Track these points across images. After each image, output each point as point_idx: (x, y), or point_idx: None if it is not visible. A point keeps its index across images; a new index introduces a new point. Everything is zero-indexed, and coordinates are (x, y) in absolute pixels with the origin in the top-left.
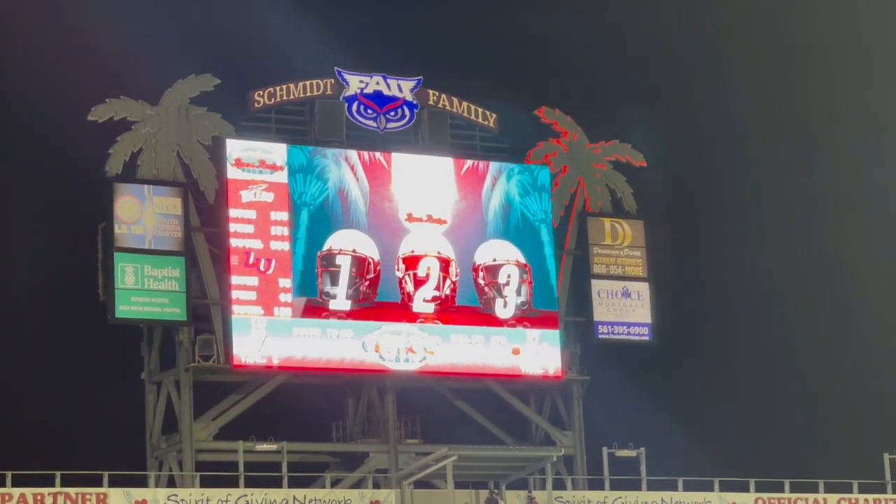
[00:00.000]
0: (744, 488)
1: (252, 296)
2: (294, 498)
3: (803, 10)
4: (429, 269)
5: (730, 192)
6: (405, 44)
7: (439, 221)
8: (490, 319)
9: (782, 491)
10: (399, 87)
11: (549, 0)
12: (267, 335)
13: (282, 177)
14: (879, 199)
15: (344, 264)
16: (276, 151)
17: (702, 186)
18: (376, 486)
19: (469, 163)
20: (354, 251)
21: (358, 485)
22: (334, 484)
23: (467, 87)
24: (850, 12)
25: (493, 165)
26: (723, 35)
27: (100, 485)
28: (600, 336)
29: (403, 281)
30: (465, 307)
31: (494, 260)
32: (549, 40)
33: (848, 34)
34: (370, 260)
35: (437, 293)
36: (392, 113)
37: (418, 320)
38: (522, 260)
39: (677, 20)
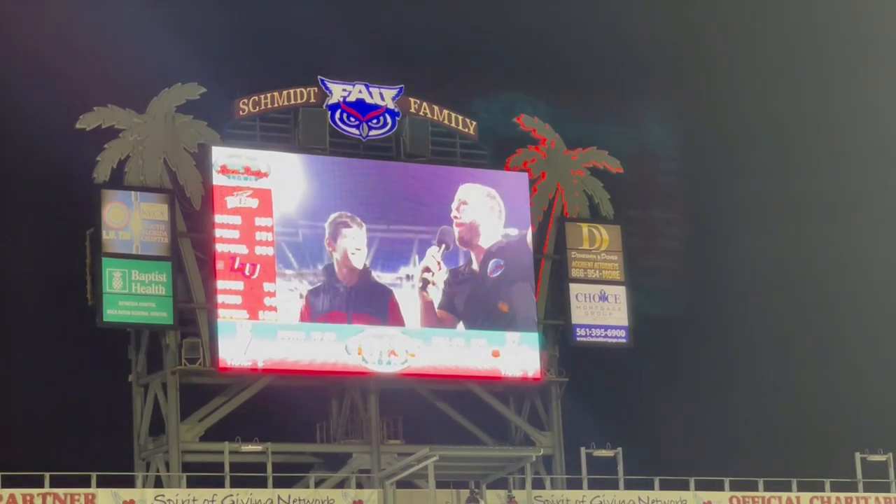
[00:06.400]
0: (718, 487)
1: (237, 300)
2: (279, 498)
3: (805, 7)
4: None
5: (718, 198)
6: (387, 52)
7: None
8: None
9: (756, 490)
10: (381, 95)
11: (534, 7)
12: (252, 338)
13: (267, 183)
14: (862, 202)
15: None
16: (261, 158)
17: (689, 189)
18: (359, 485)
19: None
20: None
21: (341, 485)
22: (318, 484)
23: (448, 94)
24: (854, 11)
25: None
26: (723, 34)
27: (88, 485)
28: (578, 339)
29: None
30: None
31: None
32: (531, 47)
33: (852, 34)
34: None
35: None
36: (374, 121)
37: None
38: None
39: (671, 21)
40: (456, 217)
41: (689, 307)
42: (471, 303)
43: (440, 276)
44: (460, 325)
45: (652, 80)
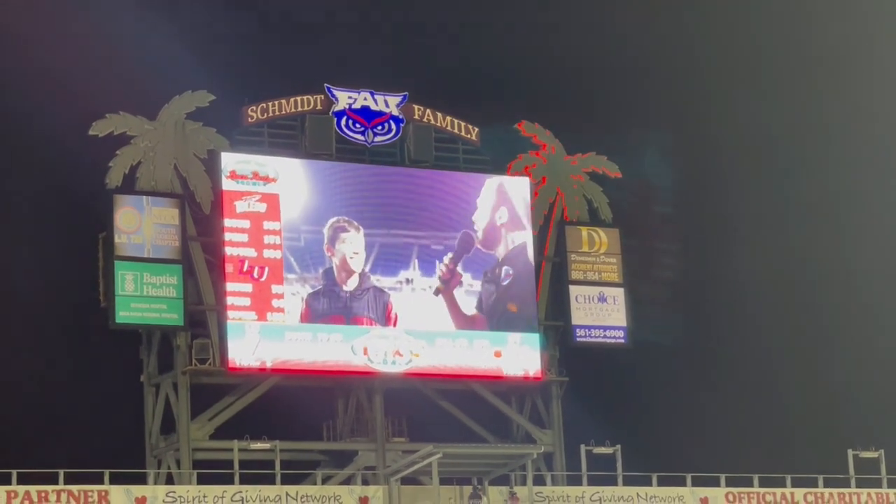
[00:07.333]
0: (714, 483)
1: (246, 302)
2: (287, 494)
3: (801, 14)
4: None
5: (710, 200)
6: (392, 61)
7: None
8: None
9: (751, 485)
10: (386, 102)
11: (531, 15)
12: (260, 339)
13: (274, 188)
14: (856, 208)
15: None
16: (269, 164)
17: (680, 194)
18: (365, 482)
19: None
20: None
21: (347, 481)
22: (325, 481)
23: (451, 102)
24: (850, 19)
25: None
26: (715, 39)
27: (101, 482)
28: (578, 339)
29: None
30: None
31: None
32: (529, 56)
33: (847, 41)
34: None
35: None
36: (379, 127)
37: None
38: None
39: (660, 28)
40: (474, 222)
41: (686, 308)
42: (492, 305)
43: (464, 280)
44: (486, 328)
45: (648, 101)
